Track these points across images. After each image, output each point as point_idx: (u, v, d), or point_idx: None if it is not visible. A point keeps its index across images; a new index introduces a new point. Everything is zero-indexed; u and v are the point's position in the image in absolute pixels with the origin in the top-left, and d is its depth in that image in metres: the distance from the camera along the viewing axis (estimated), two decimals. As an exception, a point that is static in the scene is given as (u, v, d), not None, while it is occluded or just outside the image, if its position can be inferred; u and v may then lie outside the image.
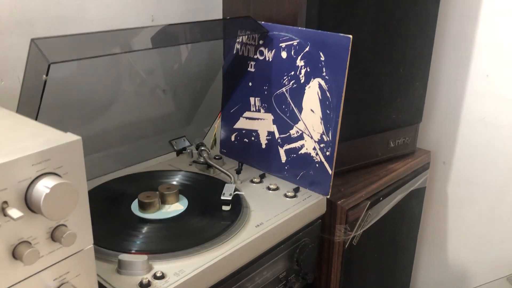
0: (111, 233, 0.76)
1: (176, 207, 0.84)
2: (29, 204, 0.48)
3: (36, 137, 0.52)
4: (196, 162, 1.03)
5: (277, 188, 0.95)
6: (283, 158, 0.98)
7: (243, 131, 1.05)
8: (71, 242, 0.52)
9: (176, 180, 0.95)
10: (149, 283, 0.66)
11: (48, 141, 0.50)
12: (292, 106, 0.94)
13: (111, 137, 0.99)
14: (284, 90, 0.94)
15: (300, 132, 0.94)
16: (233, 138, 1.07)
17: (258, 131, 1.02)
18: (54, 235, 0.52)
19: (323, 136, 0.90)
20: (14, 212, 0.46)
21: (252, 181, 0.97)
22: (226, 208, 0.84)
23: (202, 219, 0.82)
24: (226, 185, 0.88)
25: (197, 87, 1.10)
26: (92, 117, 0.93)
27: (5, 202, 0.46)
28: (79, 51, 0.69)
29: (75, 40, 0.71)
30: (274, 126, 0.98)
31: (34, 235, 0.50)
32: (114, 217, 0.82)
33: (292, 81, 0.93)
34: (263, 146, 1.02)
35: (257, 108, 1.01)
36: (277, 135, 0.98)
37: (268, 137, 1.00)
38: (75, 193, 0.50)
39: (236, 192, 0.86)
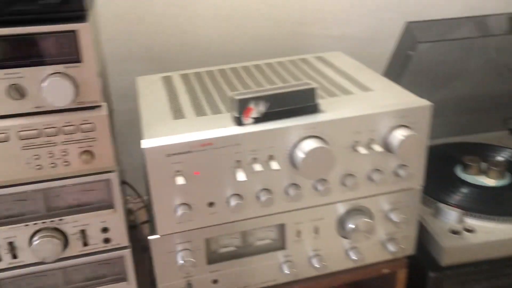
0: (435, 185, 0.92)
1: (493, 182, 0.92)
2: (387, 144, 0.68)
3: (398, 99, 0.71)
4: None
5: None
6: None
7: None
8: (406, 179, 0.71)
9: (503, 156, 1.01)
10: (459, 232, 0.80)
11: (407, 103, 0.69)
12: None
13: (451, 106, 1.12)
14: None
15: None
16: None
17: None
18: (397, 171, 0.71)
19: None
20: (376, 147, 0.67)
21: None
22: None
23: (521, 196, 0.88)
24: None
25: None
26: (439, 86, 1.07)
27: (372, 140, 0.68)
28: (444, 33, 0.84)
29: (441, 24, 0.86)
30: None
31: (384, 167, 0.71)
32: (440, 173, 0.96)
33: None
34: None
35: None
36: None
37: None
38: (419, 143, 0.68)
39: None
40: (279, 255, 0.73)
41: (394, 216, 0.74)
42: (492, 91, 1.13)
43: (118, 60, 1.01)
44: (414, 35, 0.81)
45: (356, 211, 0.73)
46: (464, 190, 0.90)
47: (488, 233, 0.79)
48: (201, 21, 1.04)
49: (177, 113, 0.70)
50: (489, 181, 0.93)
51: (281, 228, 0.72)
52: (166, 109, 0.72)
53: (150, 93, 0.79)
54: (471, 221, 0.82)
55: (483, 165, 0.95)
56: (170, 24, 1.03)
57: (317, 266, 0.74)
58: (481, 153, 1.01)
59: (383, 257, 0.79)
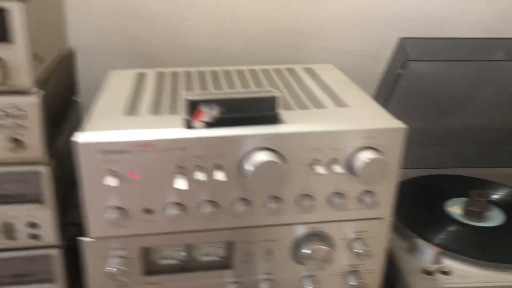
0: (417, 218, 0.84)
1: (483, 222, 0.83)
2: (350, 166, 0.62)
3: (371, 118, 0.65)
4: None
5: None
6: None
7: None
8: (372, 207, 0.64)
9: (500, 194, 0.92)
10: (432, 273, 0.72)
11: (378, 123, 0.62)
12: None
13: (456, 135, 1.03)
14: None
15: None
16: None
17: None
18: (361, 197, 0.64)
19: None
20: (336, 168, 0.60)
21: None
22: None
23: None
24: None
25: None
26: (444, 113, 0.99)
27: (335, 159, 0.61)
28: (438, 53, 0.77)
29: (441, 43, 0.79)
30: None
31: (348, 191, 0.64)
32: (425, 206, 0.88)
33: None
34: None
35: None
36: None
37: None
38: (388, 168, 0.61)
39: None
40: (226, 274, 0.67)
41: (357, 247, 0.67)
42: (503, 123, 1.04)
43: (102, 53, 0.98)
44: (405, 52, 0.74)
45: (314, 236, 0.66)
46: (449, 227, 0.82)
47: (464, 278, 0.71)
48: (194, 20, 1.00)
49: (132, 109, 0.66)
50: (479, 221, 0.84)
51: (229, 246, 0.66)
52: (122, 105, 0.67)
53: (115, 87, 0.75)
54: (449, 262, 0.74)
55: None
56: (161, 21, 0.99)
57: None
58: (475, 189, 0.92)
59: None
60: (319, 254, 0.65)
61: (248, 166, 0.58)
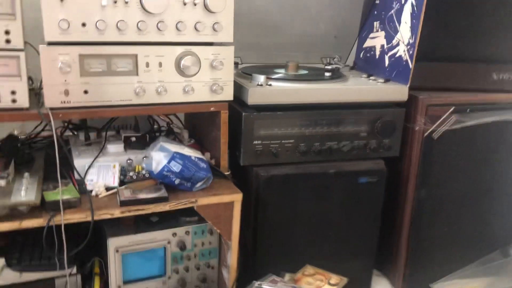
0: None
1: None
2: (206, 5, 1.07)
3: (217, -17, 1.11)
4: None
5: (375, 79, 1.35)
6: (387, 63, 1.37)
7: (367, 49, 1.47)
8: (217, 33, 1.09)
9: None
10: (262, 85, 1.18)
11: (219, -20, 1.09)
12: (395, 22, 1.33)
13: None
14: (393, 11, 1.34)
15: (398, 40, 1.32)
16: (361, 56, 1.50)
17: (376, 46, 1.43)
18: (213, 26, 1.09)
19: (410, 40, 1.26)
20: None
21: (361, 77, 1.39)
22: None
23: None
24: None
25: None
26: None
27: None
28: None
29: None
30: (385, 40, 1.38)
31: (204, 21, 1.08)
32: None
33: (398, 4, 1.32)
34: (377, 56, 1.42)
35: (376, 29, 1.42)
36: (385, 45, 1.38)
37: (380, 49, 1.40)
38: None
39: (336, 66, 1.31)
40: (134, 80, 1.06)
41: (215, 64, 1.11)
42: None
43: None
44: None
45: (187, 54, 1.09)
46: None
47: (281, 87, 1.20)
48: None
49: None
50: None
51: (135, 58, 1.05)
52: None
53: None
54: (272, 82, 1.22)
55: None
56: None
57: (161, 92, 1.08)
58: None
59: (210, 98, 1.14)
60: (190, 62, 1.08)
61: (145, -5, 1.00)
